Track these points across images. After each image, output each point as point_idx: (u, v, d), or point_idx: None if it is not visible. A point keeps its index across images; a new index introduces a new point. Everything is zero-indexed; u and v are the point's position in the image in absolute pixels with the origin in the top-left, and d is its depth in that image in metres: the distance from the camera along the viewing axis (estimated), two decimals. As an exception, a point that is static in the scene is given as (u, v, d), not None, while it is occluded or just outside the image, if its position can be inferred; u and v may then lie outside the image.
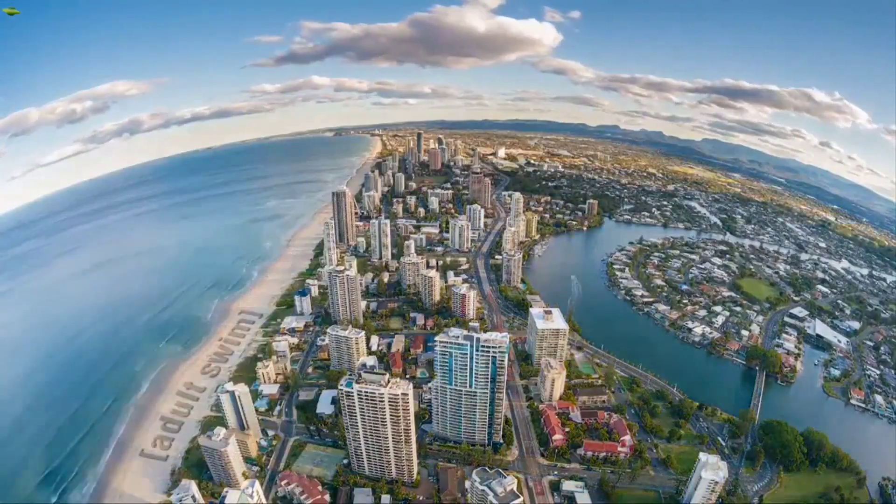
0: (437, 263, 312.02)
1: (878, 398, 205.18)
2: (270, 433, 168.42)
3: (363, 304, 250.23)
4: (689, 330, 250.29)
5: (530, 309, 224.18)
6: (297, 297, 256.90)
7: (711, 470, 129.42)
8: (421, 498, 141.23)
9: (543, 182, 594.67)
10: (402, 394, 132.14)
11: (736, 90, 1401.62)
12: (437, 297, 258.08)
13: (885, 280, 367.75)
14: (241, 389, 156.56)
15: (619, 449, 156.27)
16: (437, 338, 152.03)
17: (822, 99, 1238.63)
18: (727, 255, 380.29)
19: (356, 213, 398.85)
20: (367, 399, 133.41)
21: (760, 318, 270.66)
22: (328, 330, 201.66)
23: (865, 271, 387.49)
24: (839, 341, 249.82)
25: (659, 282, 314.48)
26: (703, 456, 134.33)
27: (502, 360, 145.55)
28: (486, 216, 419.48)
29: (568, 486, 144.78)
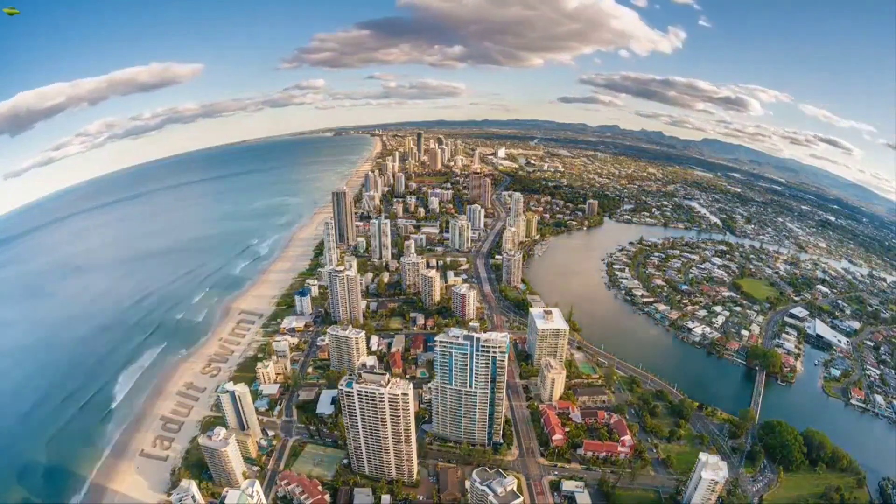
0: (437, 263, 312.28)
1: (878, 398, 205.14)
2: (270, 433, 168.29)
3: (363, 304, 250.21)
4: (689, 330, 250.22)
5: (530, 309, 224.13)
6: (297, 297, 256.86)
7: (711, 470, 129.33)
8: (421, 498, 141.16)
9: (543, 182, 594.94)
10: (402, 394, 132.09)
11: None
12: (437, 297, 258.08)
13: (885, 280, 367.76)
14: (241, 389, 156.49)
15: (620, 449, 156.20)
16: (437, 338, 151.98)
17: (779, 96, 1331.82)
18: (727, 255, 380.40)
19: (356, 213, 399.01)
20: (367, 399, 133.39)
21: (760, 318, 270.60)
22: (328, 330, 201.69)
23: (865, 271, 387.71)
24: (839, 341, 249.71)
25: (659, 282, 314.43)
26: (703, 456, 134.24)
27: (502, 360, 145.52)
28: (486, 216, 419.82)
29: (568, 486, 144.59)
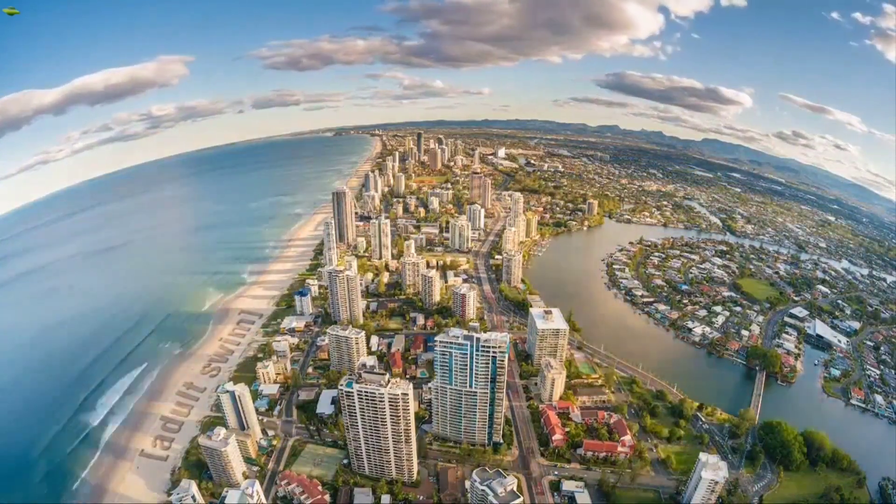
0: (437, 263, 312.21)
1: (878, 398, 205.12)
2: (270, 433, 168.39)
3: (363, 304, 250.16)
4: (689, 330, 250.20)
5: (530, 309, 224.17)
6: (297, 297, 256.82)
7: (711, 470, 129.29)
8: (421, 498, 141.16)
9: (543, 182, 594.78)
10: (402, 394, 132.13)
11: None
12: (437, 297, 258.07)
13: (885, 280, 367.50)
14: (241, 389, 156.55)
15: (619, 449, 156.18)
16: (437, 338, 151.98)
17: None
18: (727, 255, 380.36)
19: (356, 213, 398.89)
20: (367, 399, 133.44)
21: (760, 318, 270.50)
22: (328, 330, 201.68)
23: (865, 271, 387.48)
24: (839, 341, 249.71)
25: (659, 282, 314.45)
26: (703, 456, 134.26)
27: (502, 360, 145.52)
28: (486, 216, 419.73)
29: (568, 486, 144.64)
